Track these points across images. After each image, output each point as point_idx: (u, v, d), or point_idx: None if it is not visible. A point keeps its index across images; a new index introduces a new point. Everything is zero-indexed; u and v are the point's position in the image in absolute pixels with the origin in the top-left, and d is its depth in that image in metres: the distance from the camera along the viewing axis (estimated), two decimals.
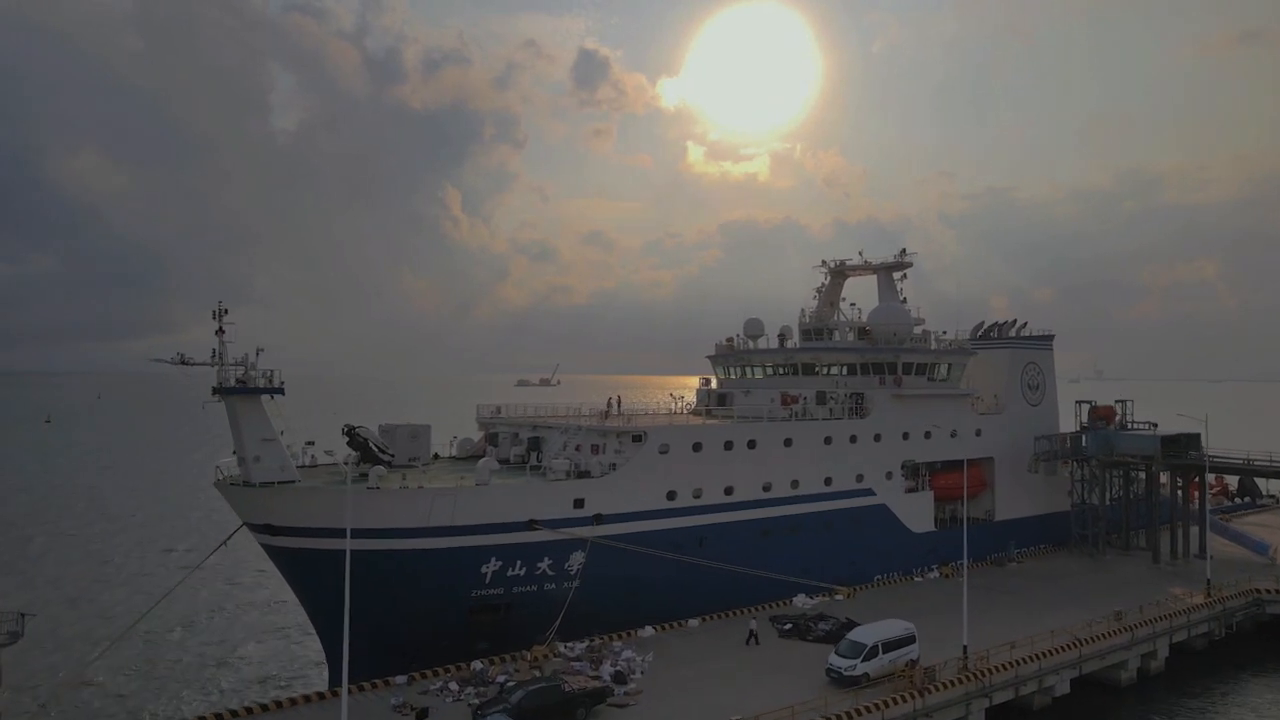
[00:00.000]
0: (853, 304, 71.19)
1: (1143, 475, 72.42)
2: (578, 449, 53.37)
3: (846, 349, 65.97)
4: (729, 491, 53.72)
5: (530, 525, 45.98)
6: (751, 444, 54.88)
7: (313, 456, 54.43)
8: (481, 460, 46.11)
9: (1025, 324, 75.14)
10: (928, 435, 64.86)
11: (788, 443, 56.72)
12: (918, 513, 64.11)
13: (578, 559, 47.48)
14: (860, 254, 74.15)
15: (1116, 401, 75.09)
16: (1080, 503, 70.50)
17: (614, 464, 49.82)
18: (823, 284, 75.19)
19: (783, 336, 70.74)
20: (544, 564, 46.78)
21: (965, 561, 46.73)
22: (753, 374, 70.71)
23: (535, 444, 56.43)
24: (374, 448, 49.96)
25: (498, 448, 59.16)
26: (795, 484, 56.94)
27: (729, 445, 53.85)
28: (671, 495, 51.18)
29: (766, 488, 55.60)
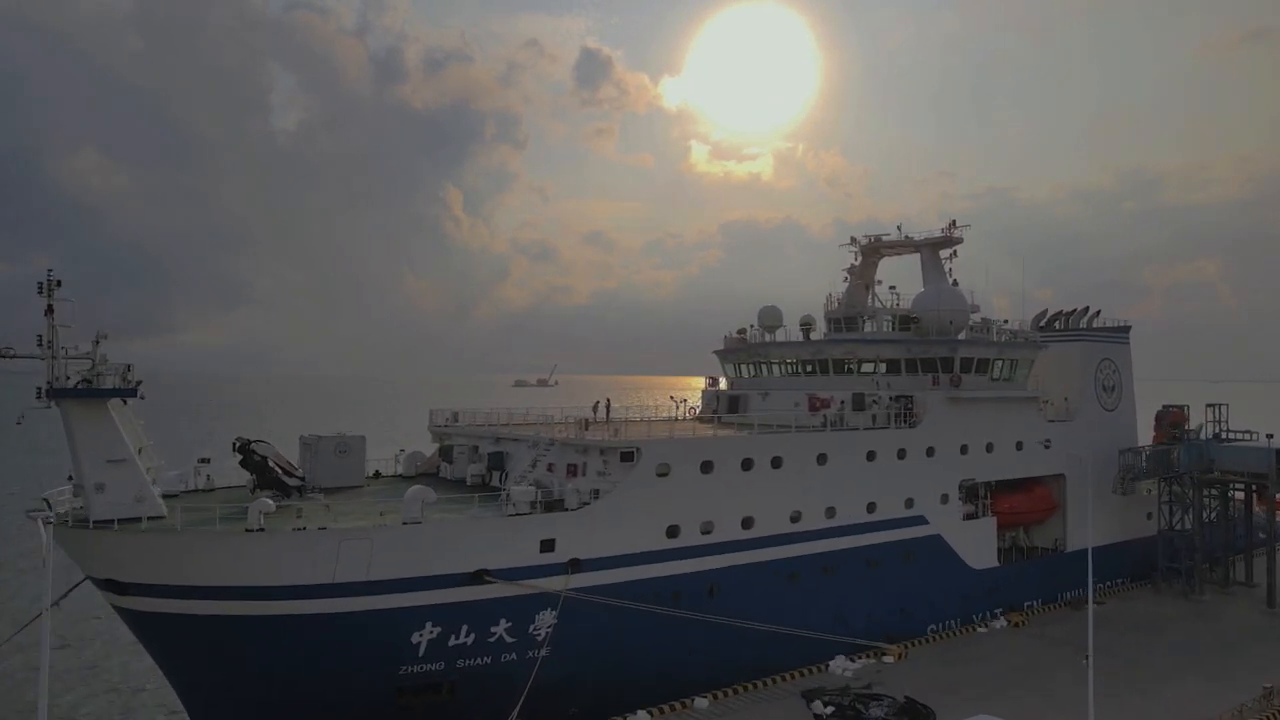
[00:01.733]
0: (892, 287, 58.75)
1: (1239, 496, 60.13)
2: (549, 469, 40.97)
3: (890, 341, 53.45)
4: (748, 524, 41.31)
5: (480, 577, 33.64)
6: (777, 461, 42.45)
7: (208, 477, 42.11)
8: (412, 489, 33.65)
9: (1098, 312, 62.61)
10: (990, 448, 52.38)
11: (822, 459, 44.28)
12: (978, 544, 51.65)
13: (546, 620, 35.13)
14: (899, 228, 61.76)
15: (1206, 405, 62.71)
16: (1169, 528, 58.00)
17: (596, 491, 37.45)
18: (852, 264, 62.69)
19: (807, 327, 58.26)
20: (500, 628, 34.41)
21: (1089, 630, 34.13)
22: (770, 372, 58.26)
23: (498, 460, 44.01)
24: (275, 468, 37.52)
25: (453, 464, 46.78)
26: (831, 512, 44.51)
27: (748, 464, 41.44)
28: (673, 531, 38.79)
29: (795, 518, 43.17)
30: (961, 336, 53.14)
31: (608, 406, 55.67)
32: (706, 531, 39.89)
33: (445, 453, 47.92)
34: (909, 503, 48.05)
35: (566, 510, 36.16)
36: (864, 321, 57.25)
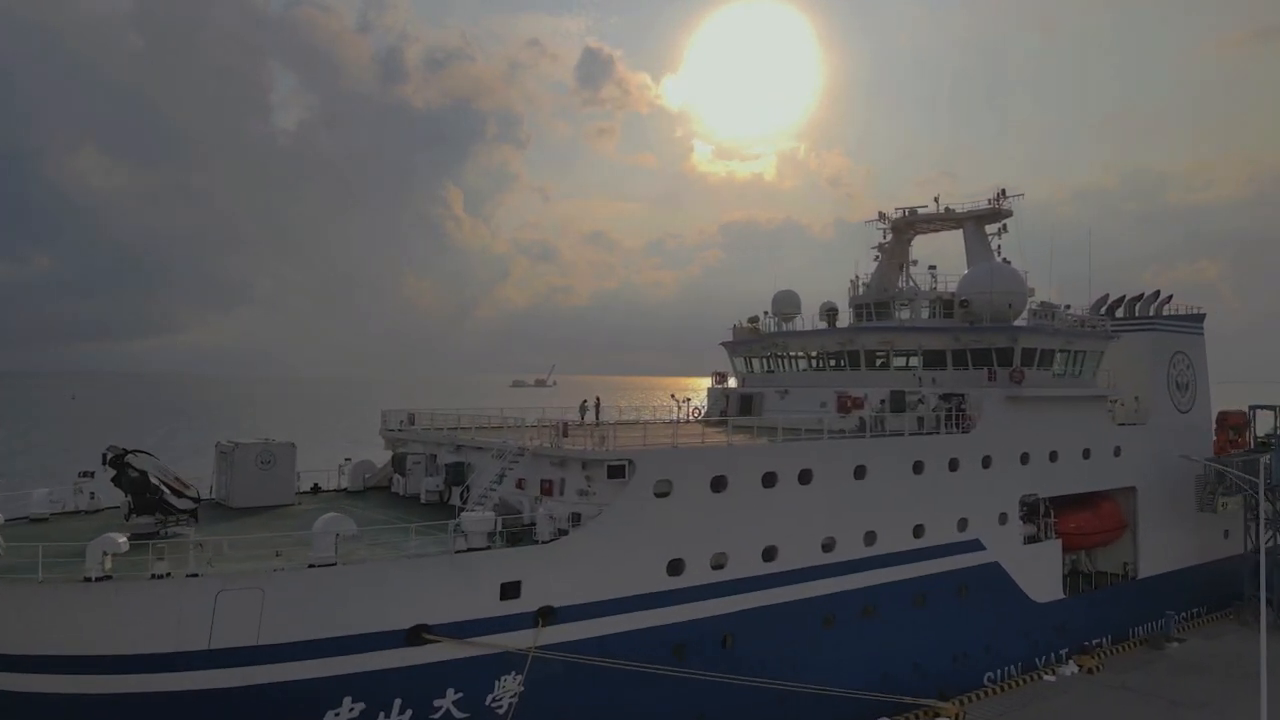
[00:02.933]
0: (931, 267, 50.09)
1: None
2: (518, 486, 32.44)
3: (936, 329, 44.84)
4: (770, 556, 32.74)
5: (418, 636, 25.08)
6: (805, 476, 33.87)
7: (93, 496, 33.62)
8: (323, 518, 24.91)
9: (1169, 298, 53.99)
10: (1054, 457, 43.78)
11: (860, 472, 35.71)
12: (1041, 572, 43.02)
13: (509, 687, 26.60)
14: (936, 200, 53.07)
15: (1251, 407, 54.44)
16: (1257, 550, 49.31)
17: (577, 516, 28.90)
18: (881, 243, 54.10)
19: (832, 312, 49.65)
20: (446, 701, 25.85)
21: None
22: (788, 367, 49.72)
23: (457, 473, 35.46)
24: (159, 486, 28.82)
25: (406, 476, 38.23)
26: (871, 538, 35.94)
27: (770, 479, 32.87)
28: (676, 567, 30.22)
29: (828, 546, 34.60)
30: (1021, 323, 44.46)
31: (597, 407, 47.14)
32: (719, 566, 31.31)
33: (398, 463, 39.35)
34: (962, 524, 39.44)
35: (537, 543, 27.55)
36: (897, 307, 48.74)
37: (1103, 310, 53.00)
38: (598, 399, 48.43)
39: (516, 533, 27.43)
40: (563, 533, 28.02)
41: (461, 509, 30.79)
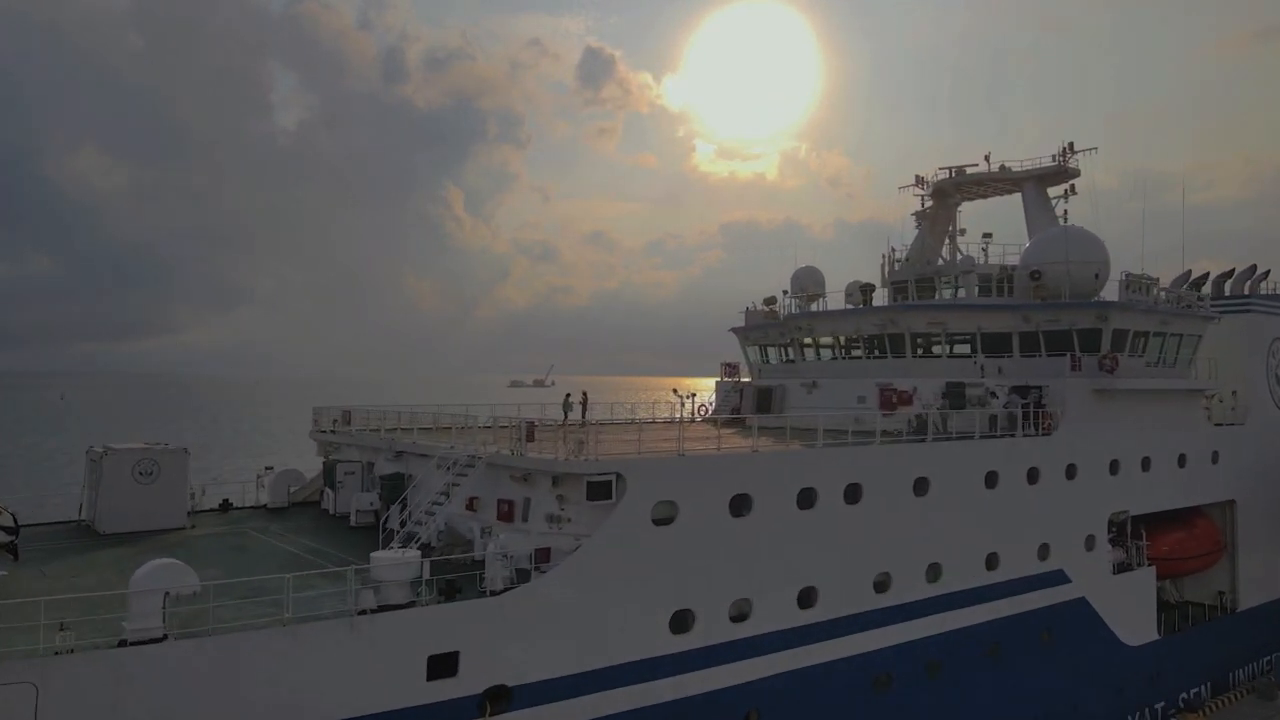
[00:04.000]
0: (987, 235, 41.76)
1: None
2: (469, 507, 24.21)
3: (1000, 307, 36.54)
4: (808, 601, 24.44)
5: None
6: (853, 492, 25.57)
7: None
8: (141, 571, 16.53)
9: (1267, 273, 45.63)
10: (1146, 464, 35.49)
11: (922, 487, 27.40)
12: (1134, 608, 34.72)
13: None
14: (986, 158, 44.73)
15: None
16: None
17: (544, 553, 20.61)
18: (922, 209, 45.88)
19: (867, 289, 41.28)
20: None
21: None
22: (813, 355, 41.49)
23: (394, 486, 27.15)
24: None
25: (337, 490, 30.01)
26: (935, 572, 27.65)
27: (808, 497, 24.57)
28: (682, 621, 21.92)
29: (882, 585, 26.30)
30: (1111, 298, 36.13)
31: (584, 404, 38.89)
32: (740, 617, 23.03)
33: (328, 473, 31.11)
34: (1043, 551, 31.14)
35: (485, 593, 19.26)
36: (943, 284, 40.51)
37: (1184, 288, 44.60)
38: (584, 394, 40.18)
39: (454, 581, 19.07)
40: (523, 578, 19.75)
41: (397, 531, 22.63)
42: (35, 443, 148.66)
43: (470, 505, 24.29)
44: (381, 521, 26.69)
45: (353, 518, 27.94)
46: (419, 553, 18.95)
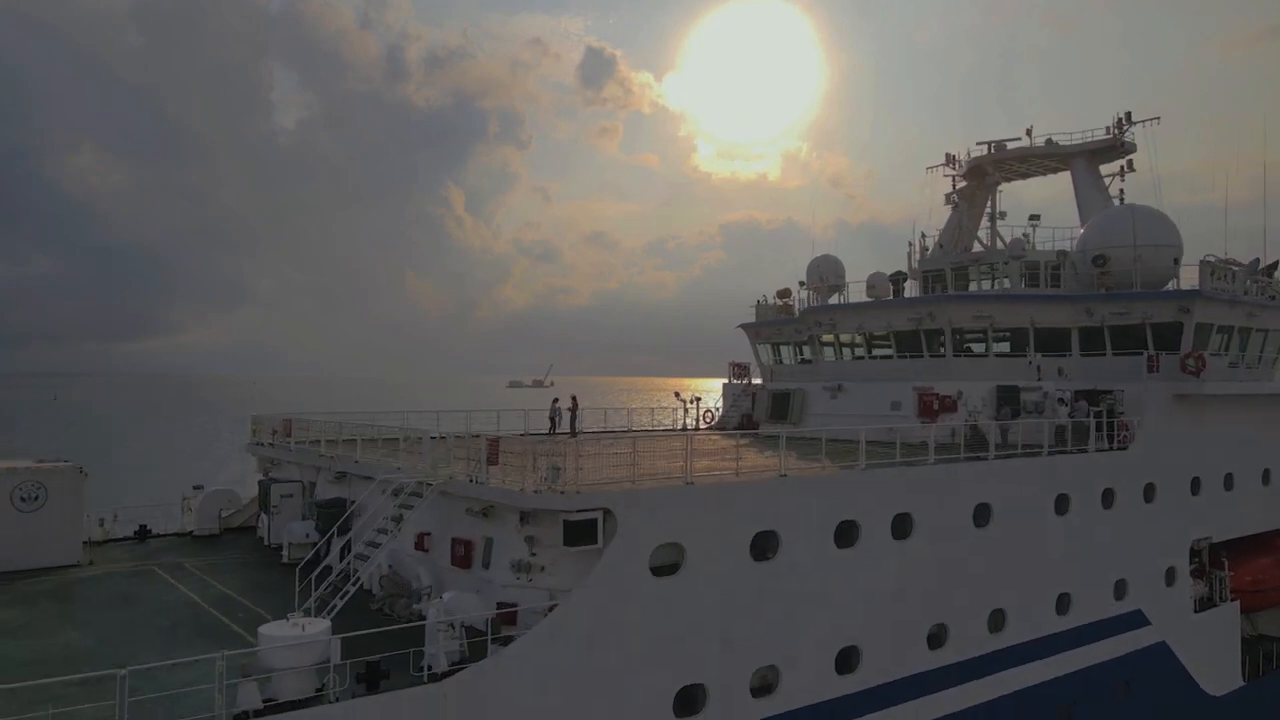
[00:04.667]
0: (1033, 217, 36.59)
1: None
2: (420, 546, 19.10)
3: (1059, 298, 31.43)
4: (850, 664, 19.30)
5: None
6: (902, 524, 20.45)
7: None
8: None
9: None
10: (1228, 483, 30.36)
11: (983, 515, 22.27)
12: (1217, 651, 29.56)
13: None
14: (1028, 132, 39.59)
15: None
16: None
17: (509, 617, 15.48)
18: (955, 190, 40.82)
19: (898, 279, 36.14)
20: None
21: None
22: (835, 354, 36.46)
23: (330, 513, 21.98)
24: None
25: (271, 516, 24.90)
26: (998, 620, 22.53)
27: (848, 532, 19.42)
28: (691, 701, 16.79)
29: (937, 637, 21.15)
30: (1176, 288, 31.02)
31: (573, 411, 33.83)
32: (764, 690, 17.89)
33: (263, 496, 26.01)
34: (1120, 589, 26.01)
35: (423, 677, 14.13)
36: (980, 274, 35.47)
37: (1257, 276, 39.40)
38: (574, 400, 35.11)
39: (380, 664, 13.89)
40: (478, 651, 14.63)
41: (344, 566, 17.57)
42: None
43: (420, 543, 19.20)
44: (322, 555, 21.60)
45: (285, 552, 22.84)
46: (328, 624, 13.78)
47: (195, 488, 28.01)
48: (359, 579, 17.46)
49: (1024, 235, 35.48)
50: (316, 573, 18.21)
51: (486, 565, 17.27)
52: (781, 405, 34.72)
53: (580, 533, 15.61)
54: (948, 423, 27.25)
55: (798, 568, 18.28)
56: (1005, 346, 32.22)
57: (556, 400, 35.57)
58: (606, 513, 15.92)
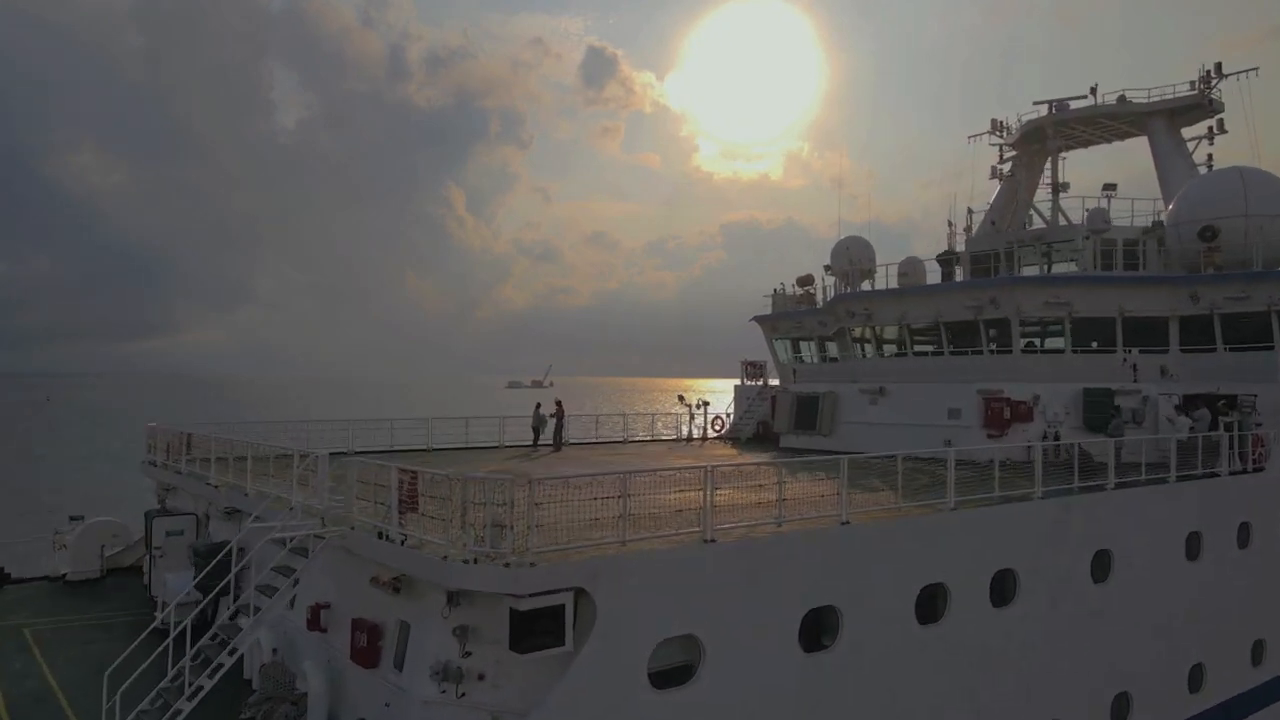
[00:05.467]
0: (1109, 186, 30.65)
1: None
2: (314, 624, 13.11)
3: (1157, 280, 25.55)
4: None
5: None
6: (1002, 587, 14.50)
7: None
8: None
9: None
10: None
11: (1101, 567, 16.32)
12: None
13: None
14: (1093, 90, 33.67)
15: None
16: None
17: None
18: (1002, 160, 35.06)
19: (949, 261, 30.24)
20: None
21: None
22: (869, 351, 30.65)
23: (213, 560, 16.02)
24: None
25: (156, 560, 18.97)
26: (1123, 707, 16.59)
27: (934, 602, 13.48)
28: None
29: None
30: None
31: (559, 419, 28.04)
32: None
33: (147, 532, 20.11)
34: (1257, 651, 20.12)
35: None
36: (1040, 253, 29.60)
37: None
38: (559, 405, 29.29)
39: None
40: None
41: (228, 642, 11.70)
42: None
43: (315, 619, 13.27)
44: (209, 617, 15.66)
45: (160, 613, 16.95)
46: None
47: (72, 519, 22.14)
48: (235, 649, 11.71)
49: (1101, 202, 29.58)
50: (192, 651, 12.32)
51: (399, 665, 11.38)
52: (808, 412, 28.86)
53: (537, 627, 9.73)
54: (1021, 435, 21.56)
55: (864, 660, 12.41)
56: (1060, 340, 26.44)
57: (540, 406, 29.77)
58: (580, 593, 10.05)
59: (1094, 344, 25.93)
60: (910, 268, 31.14)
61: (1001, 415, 23.15)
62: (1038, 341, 26.80)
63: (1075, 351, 25.71)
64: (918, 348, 28.82)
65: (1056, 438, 22.71)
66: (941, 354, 27.76)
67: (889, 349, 30.11)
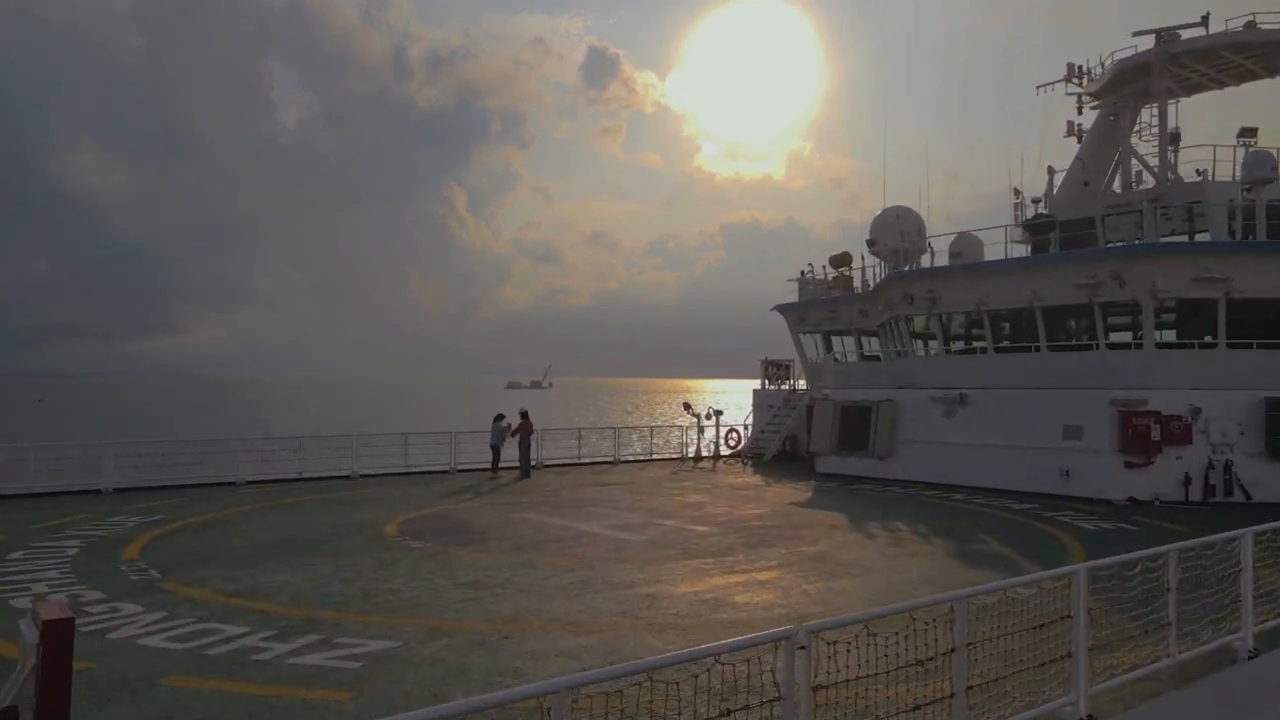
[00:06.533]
0: (1246, 132, 23.60)
1: None
2: None
3: None
4: None
5: None
6: None
7: None
8: None
9: None
10: None
11: None
12: None
13: None
14: (1204, 19, 26.51)
15: None
16: None
17: None
18: (1081, 111, 28.03)
19: (1045, 227, 23.07)
20: None
21: None
22: (920, 348, 23.55)
23: None
24: None
25: None
26: None
27: None
28: None
29: None
30: None
31: (521, 434, 21.04)
32: None
33: None
34: None
35: None
36: (1154, 223, 22.48)
37: None
38: (525, 417, 22.27)
39: None
40: None
41: None
42: None
43: None
44: None
45: None
46: None
47: None
48: None
49: (1245, 147, 22.46)
50: None
51: None
52: (858, 427, 21.84)
53: None
54: (1174, 461, 14.61)
55: None
56: (1169, 331, 19.46)
57: (502, 418, 22.74)
58: None
59: (1254, 338, 18.89)
60: (965, 245, 24.18)
61: (1147, 436, 16.24)
62: (1163, 333, 19.80)
63: (1232, 346, 18.64)
64: (1000, 342, 21.77)
65: (1227, 468, 15.79)
66: (1037, 349, 20.67)
67: (956, 344, 23.08)
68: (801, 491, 19.35)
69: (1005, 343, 21.30)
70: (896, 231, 26.54)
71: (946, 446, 19.74)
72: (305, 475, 20.84)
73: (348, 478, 21.16)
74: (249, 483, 19.75)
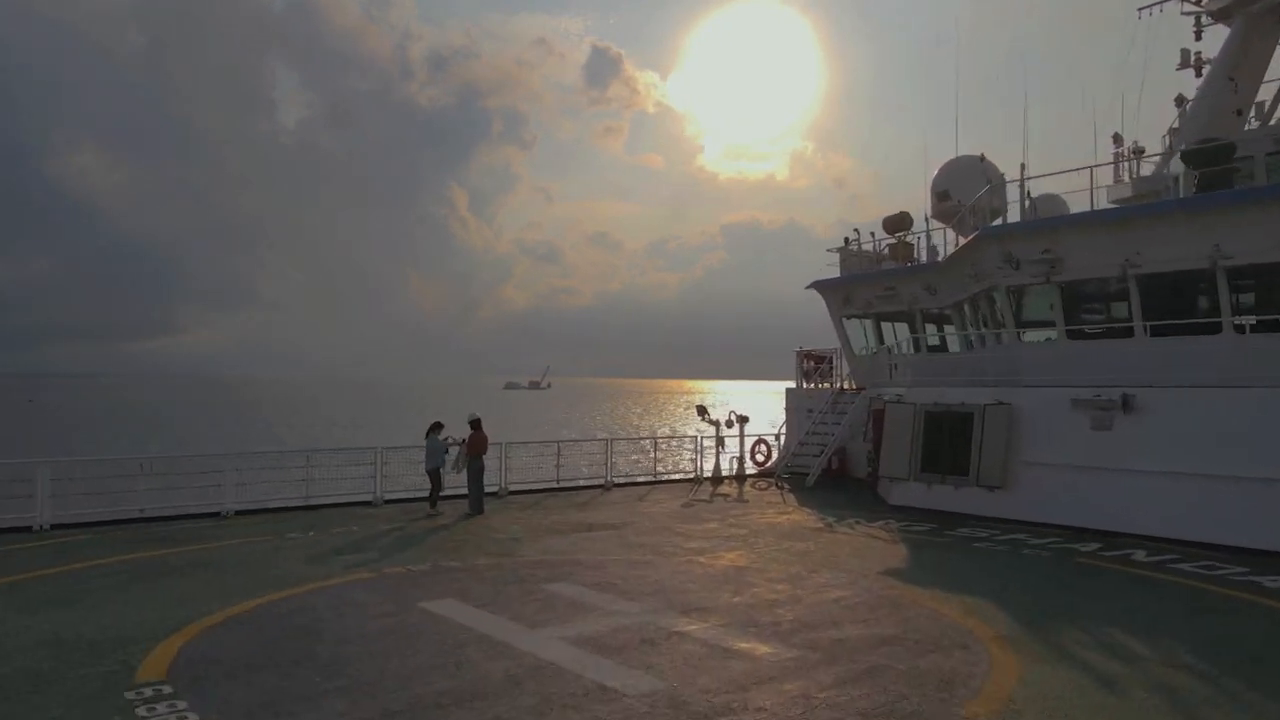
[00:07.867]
0: None
1: None
2: None
3: None
4: None
5: None
6: None
7: None
8: None
9: None
10: None
11: None
12: None
13: None
14: None
15: None
16: None
17: None
18: (1199, 38, 21.38)
19: (1223, 153, 16.33)
20: None
21: None
22: (1015, 336, 16.82)
23: None
24: None
25: None
26: None
27: None
28: None
29: None
30: None
31: (464, 449, 14.23)
32: None
33: None
34: None
35: None
36: None
37: None
38: (476, 427, 15.52)
39: None
40: None
41: None
42: None
43: None
44: None
45: None
46: None
47: None
48: None
49: None
50: None
51: None
52: (951, 441, 15.13)
53: None
54: None
55: None
56: None
57: (439, 429, 16.00)
58: None
59: None
60: (1049, 207, 17.58)
61: None
62: None
63: None
64: (1157, 320, 15.00)
65: None
66: (1239, 329, 13.96)
67: (1092, 324, 16.39)
68: (881, 542, 12.75)
69: (1169, 319, 14.60)
70: (981, 179, 19.99)
71: (1100, 473, 13.14)
72: (148, 514, 14.18)
73: (217, 515, 14.55)
74: (54, 526, 13.19)
